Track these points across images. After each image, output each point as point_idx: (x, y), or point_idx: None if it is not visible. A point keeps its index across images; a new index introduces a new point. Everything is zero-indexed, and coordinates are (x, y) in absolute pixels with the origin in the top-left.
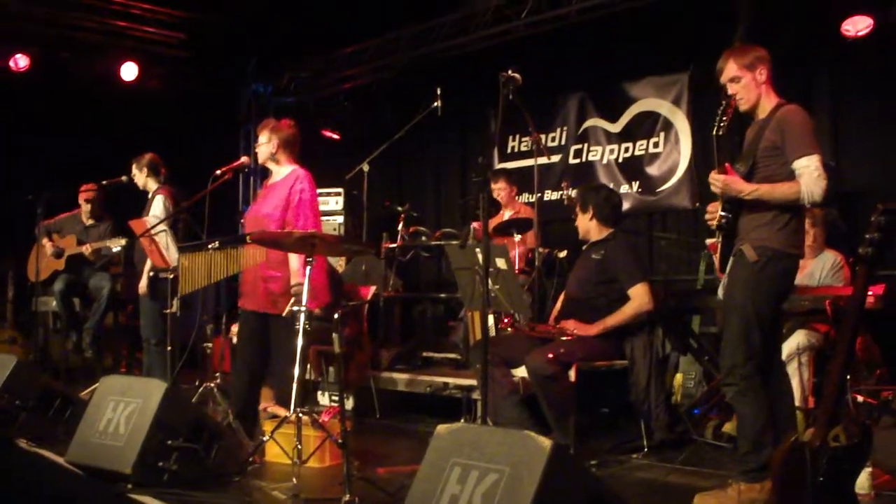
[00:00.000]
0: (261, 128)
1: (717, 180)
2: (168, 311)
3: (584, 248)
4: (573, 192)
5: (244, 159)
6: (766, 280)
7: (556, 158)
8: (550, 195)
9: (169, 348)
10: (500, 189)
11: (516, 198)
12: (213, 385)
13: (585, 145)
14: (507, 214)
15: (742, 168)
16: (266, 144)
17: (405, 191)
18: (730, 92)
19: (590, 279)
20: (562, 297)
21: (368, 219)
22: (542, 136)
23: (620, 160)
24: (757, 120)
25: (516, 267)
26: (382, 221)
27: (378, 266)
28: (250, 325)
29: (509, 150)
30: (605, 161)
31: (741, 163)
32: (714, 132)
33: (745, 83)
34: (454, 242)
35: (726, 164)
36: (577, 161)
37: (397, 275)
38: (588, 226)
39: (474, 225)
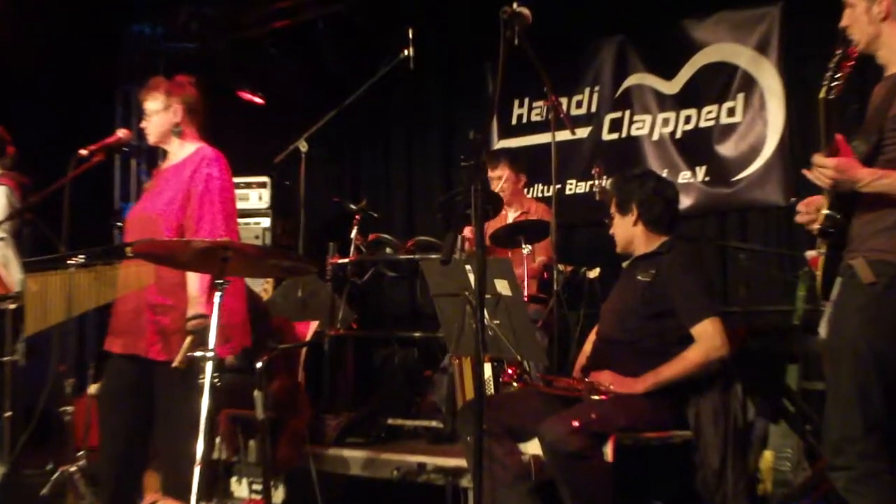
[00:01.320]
0: (149, 89)
1: (824, 165)
2: (5, 359)
3: (624, 265)
4: (608, 183)
5: (122, 133)
6: (890, 310)
7: (583, 133)
8: (575, 187)
9: (7, 415)
10: (501, 178)
11: (525, 191)
12: (73, 469)
13: (627, 113)
14: (511, 215)
15: (862, 147)
16: (161, 113)
17: (362, 181)
18: (843, 23)
19: (633, 311)
20: (592, 336)
21: (307, 222)
22: (563, 101)
23: (678, 135)
24: (888, 76)
25: (525, 292)
26: (329, 226)
27: (322, 292)
28: (126, 377)
29: (514, 121)
30: (655, 136)
31: (861, 139)
32: (822, 94)
33: (858, 14)
34: (433, 257)
35: (837, 138)
36: (615, 136)
37: (350, 304)
38: (631, 233)
39: (464, 232)
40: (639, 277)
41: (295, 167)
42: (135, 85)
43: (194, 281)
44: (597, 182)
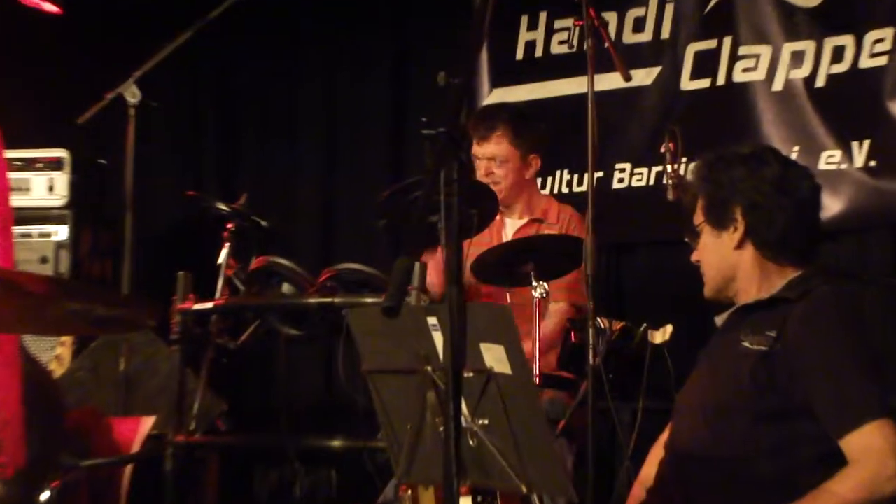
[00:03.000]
0: None
1: None
2: None
3: (718, 320)
4: (691, 172)
5: None
6: None
7: (644, 76)
8: (628, 177)
9: None
10: (494, 158)
11: (537, 184)
12: None
13: (726, 43)
14: (512, 226)
15: None
16: None
17: (241, 161)
18: None
19: (736, 406)
20: (658, 449)
21: (139, 234)
22: (611, 18)
23: (821, 82)
24: None
25: (536, 367)
26: (177, 241)
27: (163, 363)
28: None
29: (521, 54)
30: (778, 85)
31: None
32: None
33: None
34: (369, 301)
35: None
36: (704, 84)
37: (217, 387)
38: (732, 262)
39: (428, 256)
40: (746, 344)
41: (117, 134)
42: None
43: None
44: (669, 169)
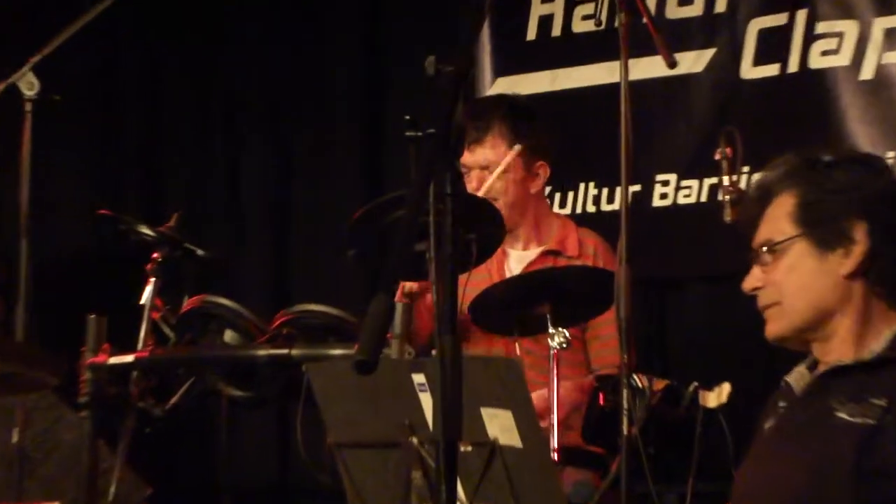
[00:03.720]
0: None
1: None
2: None
3: (793, 380)
4: (748, 181)
5: None
6: None
7: (693, 61)
8: (674, 191)
9: None
10: (488, 167)
11: (548, 202)
12: None
13: (799, 19)
14: (519, 259)
15: None
16: None
17: (171, 172)
18: None
19: (833, 498)
20: None
21: (32, 264)
22: None
23: None
24: None
25: (555, 438)
26: (86, 274)
27: (66, 433)
28: None
29: (534, 34)
30: (867, 73)
31: None
32: None
33: None
34: (336, 353)
35: None
36: (770, 71)
37: (134, 463)
38: (835, 293)
39: (409, 293)
40: (843, 416)
41: (9, 136)
42: None
43: None
44: (726, 181)
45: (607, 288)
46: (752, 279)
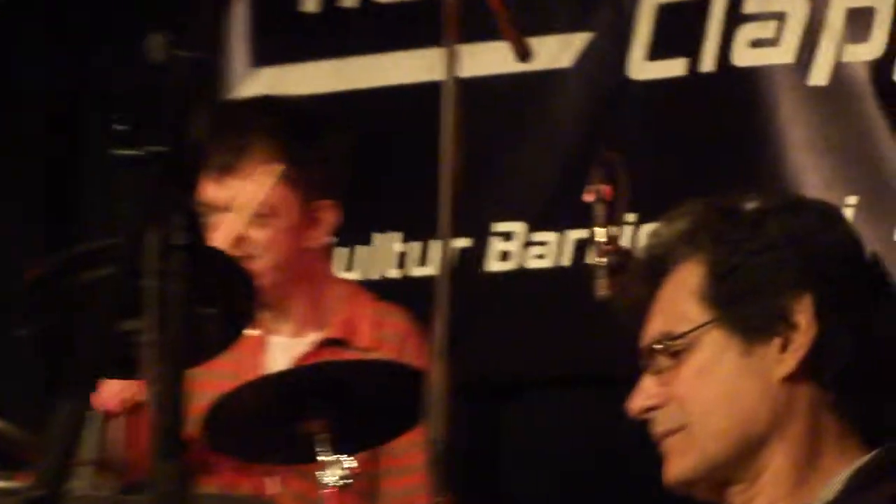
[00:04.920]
0: None
1: None
2: None
3: None
4: (632, 234)
5: None
6: None
7: (557, 52)
8: (518, 243)
9: None
10: (250, 202)
11: (329, 262)
12: None
13: None
14: (285, 349)
15: None
16: None
17: None
18: None
19: None
20: None
21: None
22: None
23: None
24: None
25: None
26: None
27: None
28: None
29: (312, 4)
30: (819, 78)
31: None
32: None
33: None
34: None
35: None
36: (673, 69)
37: None
38: (766, 404)
39: (110, 400)
40: None
41: None
42: None
43: None
44: (600, 234)
45: (415, 394)
46: (643, 395)
